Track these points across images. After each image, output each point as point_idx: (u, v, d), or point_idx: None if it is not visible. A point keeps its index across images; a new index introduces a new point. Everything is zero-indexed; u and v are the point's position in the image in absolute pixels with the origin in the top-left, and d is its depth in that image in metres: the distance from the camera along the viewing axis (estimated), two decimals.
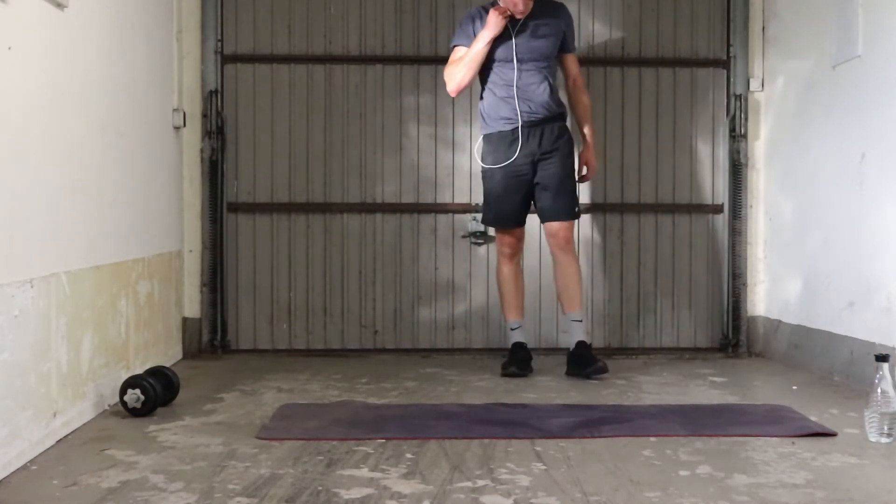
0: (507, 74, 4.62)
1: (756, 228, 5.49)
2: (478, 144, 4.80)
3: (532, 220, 4.85)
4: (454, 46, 4.74)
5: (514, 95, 4.61)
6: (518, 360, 4.66)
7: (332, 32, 5.44)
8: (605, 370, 4.53)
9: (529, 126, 4.62)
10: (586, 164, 4.83)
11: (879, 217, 4.20)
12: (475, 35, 4.63)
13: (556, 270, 4.74)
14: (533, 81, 4.62)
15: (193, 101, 5.30)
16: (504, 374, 4.62)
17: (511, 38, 4.60)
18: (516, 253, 4.78)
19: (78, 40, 3.60)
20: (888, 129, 4.12)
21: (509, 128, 4.63)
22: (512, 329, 4.78)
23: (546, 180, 4.65)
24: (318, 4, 5.43)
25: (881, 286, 4.16)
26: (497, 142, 4.67)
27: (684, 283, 5.52)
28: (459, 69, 4.66)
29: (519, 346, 4.73)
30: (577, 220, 4.82)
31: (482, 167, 4.75)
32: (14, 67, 3.01)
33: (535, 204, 4.74)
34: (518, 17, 4.58)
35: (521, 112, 4.60)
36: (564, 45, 4.76)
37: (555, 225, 4.68)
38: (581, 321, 4.71)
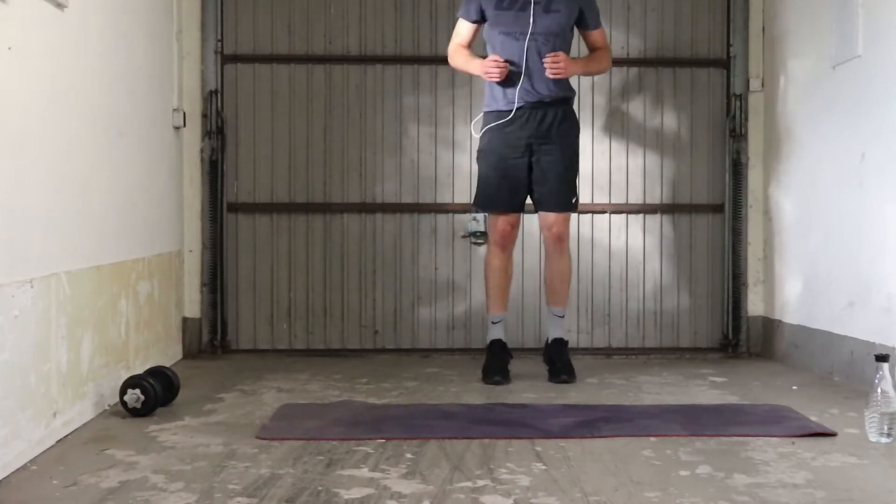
0: (512, 49, 4.42)
1: (756, 228, 5.48)
2: (476, 118, 4.64)
3: (534, 217, 4.77)
4: (458, 17, 4.65)
5: (517, 73, 4.40)
6: (499, 366, 4.50)
7: (332, 32, 5.44)
8: (570, 381, 4.47)
9: (529, 107, 4.44)
10: (560, 58, 4.40)
11: (879, 217, 4.19)
12: (477, 9, 4.49)
13: (546, 263, 4.69)
14: (537, 60, 4.41)
15: (193, 101, 5.30)
16: (487, 383, 4.43)
17: (521, 11, 4.41)
18: (508, 243, 4.57)
19: (78, 40, 3.60)
20: (888, 129, 4.12)
21: (507, 108, 4.45)
22: (493, 322, 4.60)
23: (543, 170, 4.47)
24: (318, 4, 5.43)
25: (881, 286, 4.16)
26: (494, 120, 4.49)
27: (684, 283, 5.52)
28: (455, 61, 4.67)
29: (499, 347, 4.57)
30: (573, 214, 4.66)
31: (478, 149, 4.61)
32: (14, 67, 3.00)
33: (530, 194, 4.56)
34: None
35: (521, 91, 4.41)
36: (583, 21, 4.57)
37: (550, 216, 4.52)
38: (562, 317, 4.67)
